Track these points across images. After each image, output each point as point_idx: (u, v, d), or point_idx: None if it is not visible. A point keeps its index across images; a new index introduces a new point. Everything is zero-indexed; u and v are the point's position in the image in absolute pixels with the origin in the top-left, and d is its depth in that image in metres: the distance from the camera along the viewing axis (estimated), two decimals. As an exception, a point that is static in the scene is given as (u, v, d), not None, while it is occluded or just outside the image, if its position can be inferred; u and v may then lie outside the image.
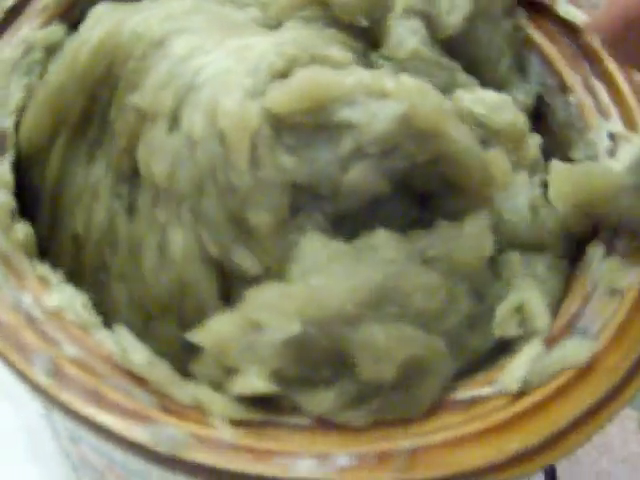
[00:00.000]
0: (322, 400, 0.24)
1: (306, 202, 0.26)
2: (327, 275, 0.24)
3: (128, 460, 0.25)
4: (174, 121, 0.27)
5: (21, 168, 0.30)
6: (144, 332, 0.27)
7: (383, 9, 0.32)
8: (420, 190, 0.28)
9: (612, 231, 0.29)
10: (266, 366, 0.24)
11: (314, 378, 0.24)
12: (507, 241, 0.29)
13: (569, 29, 0.34)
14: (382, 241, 0.26)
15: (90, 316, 0.26)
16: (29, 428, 0.38)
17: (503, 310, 0.27)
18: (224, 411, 0.24)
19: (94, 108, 0.29)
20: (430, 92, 0.27)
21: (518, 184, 0.31)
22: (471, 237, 0.27)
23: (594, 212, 0.29)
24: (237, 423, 0.24)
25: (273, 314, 0.24)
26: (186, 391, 0.25)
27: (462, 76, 0.34)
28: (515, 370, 0.26)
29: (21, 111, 0.30)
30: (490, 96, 0.33)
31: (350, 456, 0.24)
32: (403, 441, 0.24)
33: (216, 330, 0.24)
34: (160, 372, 0.25)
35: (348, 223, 0.27)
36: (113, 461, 0.28)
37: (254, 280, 0.26)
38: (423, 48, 0.32)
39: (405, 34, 0.32)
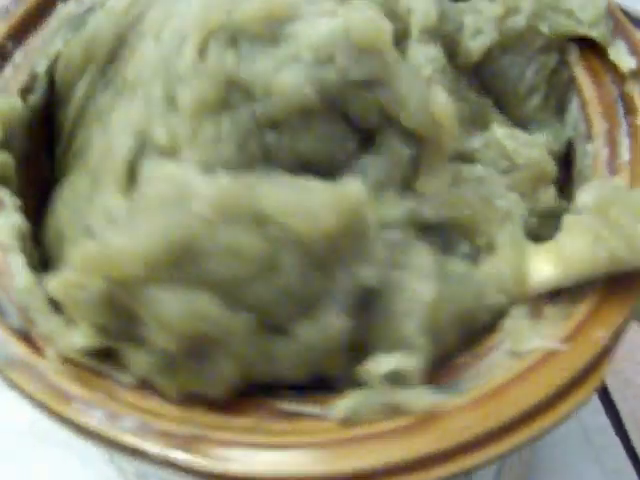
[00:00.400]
0: (138, 360, 0.25)
1: (238, 99, 0.27)
2: (128, 230, 0.24)
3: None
4: (158, 37, 0.29)
5: (52, 108, 0.34)
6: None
7: (399, 28, 0.31)
8: (358, 120, 0.28)
9: (548, 295, 0.26)
10: (89, 321, 0.25)
11: (133, 336, 0.25)
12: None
13: (617, 75, 0.31)
14: (200, 190, 0.24)
15: (14, 241, 0.28)
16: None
17: (376, 368, 0.25)
18: (65, 348, 0.25)
19: (119, 50, 0.32)
20: (374, 14, 0.27)
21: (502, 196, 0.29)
22: (318, 206, 0.24)
23: None
24: (70, 362, 0.25)
25: (83, 273, 0.24)
26: (47, 322, 0.26)
27: (491, 110, 0.32)
28: (350, 399, 0.24)
29: (55, 59, 0.33)
30: (523, 134, 0.31)
31: (137, 423, 0.24)
32: (198, 428, 0.24)
33: (53, 285, 0.25)
34: (34, 299, 0.27)
35: (281, 135, 0.27)
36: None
37: (161, 156, 0.27)
38: (438, 77, 0.31)
39: (421, 62, 0.31)
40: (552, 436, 0.25)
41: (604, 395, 0.44)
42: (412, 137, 0.28)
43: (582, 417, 0.43)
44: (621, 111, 0.30)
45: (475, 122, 0.31)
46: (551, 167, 0.31)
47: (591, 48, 0.32)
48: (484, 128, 0.31)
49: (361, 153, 0.28)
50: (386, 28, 0.27)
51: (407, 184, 0.29)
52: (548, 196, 0.30)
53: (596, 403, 0.43)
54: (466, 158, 0.30)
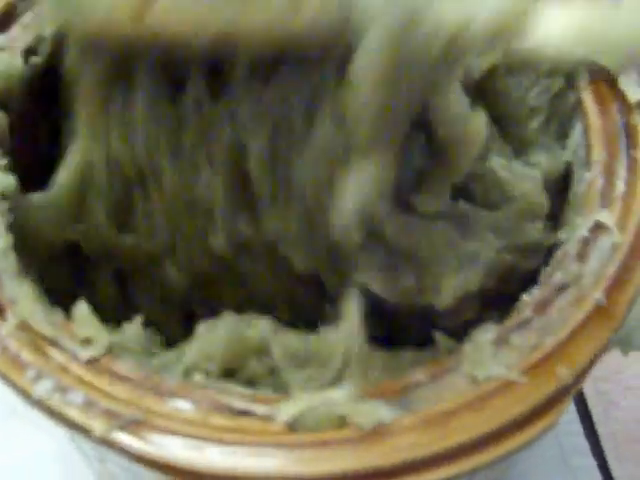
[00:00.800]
0: None
1: None
2: None
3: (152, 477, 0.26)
4: None
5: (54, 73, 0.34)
6: None
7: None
8: None
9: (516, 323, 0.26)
10: None
11: None
12: None
13: (624, 104, 0.30)
14: None
15: None
16: (64, 456, 0.41)
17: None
18: (26, 314, 0.26)
19: None
20: None
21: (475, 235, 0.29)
22: None
23: None
24: (28, 329, 0.25)
25: None
26: (17, 288, 0.26)
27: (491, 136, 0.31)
28: (296, 403, 0.24)
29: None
30: (519, 167, 0.31)
31: (85, 399, 0.24)
32: (142, 412, 0.24)
33: None
34: (6, 265, 0.27)
35: None
36: (138, 476, 0.29)
37: None
38: None
39: None
40: (529, 454, 0.24)
41: (585, 416, 0.43)
42: (432, 150, 0.28)
43: (560, 437, 0.42)
44: (623, 142, 0.29)
45: None
46: (543, 202, 0.30)
47: (602, 73, 0.31)
48: (483, 156, 0.31)
49: None
50: None
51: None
52: (535, 230, 0.30)
53: (576, 424, 0.43)
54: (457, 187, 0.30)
